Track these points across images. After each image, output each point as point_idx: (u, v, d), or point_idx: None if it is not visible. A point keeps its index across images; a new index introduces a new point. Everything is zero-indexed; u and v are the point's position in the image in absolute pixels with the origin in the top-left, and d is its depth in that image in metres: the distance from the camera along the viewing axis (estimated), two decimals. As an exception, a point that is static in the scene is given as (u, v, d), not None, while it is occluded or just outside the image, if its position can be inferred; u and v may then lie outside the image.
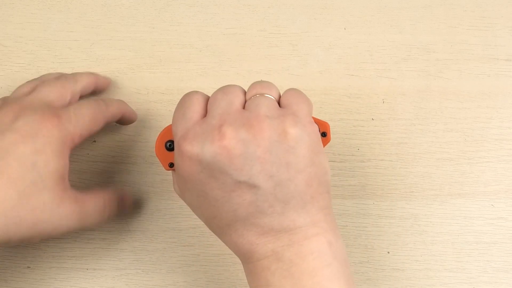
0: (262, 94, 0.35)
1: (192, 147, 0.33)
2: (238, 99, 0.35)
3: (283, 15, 0.49)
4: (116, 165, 0.47)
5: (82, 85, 0.43)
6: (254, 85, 0.36)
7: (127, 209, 0.44)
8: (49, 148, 0.37)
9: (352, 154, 0.47)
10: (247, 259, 0.34)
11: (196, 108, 0.35)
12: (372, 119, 0.47)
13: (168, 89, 0.48)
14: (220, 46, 0.49)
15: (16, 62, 0.49)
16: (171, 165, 0.37)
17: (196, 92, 0.36)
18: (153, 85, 0.48)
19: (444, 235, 0.45)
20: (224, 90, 0.35)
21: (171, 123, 0.37)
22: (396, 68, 0.48)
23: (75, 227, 0.38)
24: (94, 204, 0.40)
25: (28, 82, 0.43)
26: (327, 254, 0.33)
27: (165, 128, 0.38)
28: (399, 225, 0.46)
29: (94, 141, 0.47)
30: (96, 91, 0.46)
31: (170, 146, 0.37)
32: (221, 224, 0.34)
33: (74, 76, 0.43)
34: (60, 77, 0.42)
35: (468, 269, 0.45)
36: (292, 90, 0.36)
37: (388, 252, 0.45)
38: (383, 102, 0.48)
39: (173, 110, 0.48)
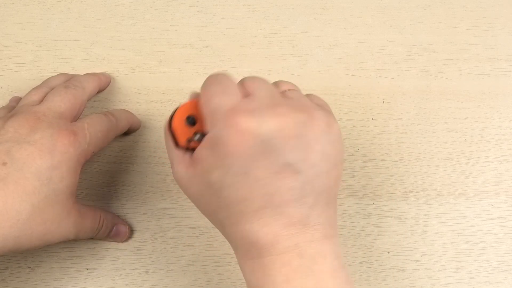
0: (294, 90, 0.35)
1: (249, 121, 0.31)
2: (276, 88, 0.35)
3: (283, 15, 0.49)
4: (116, 165, 0.47)
5: (89, 92, 0.44)
6: (281, 82, 0.36)
7: (118, 239, 0.45)
8: (64, 165, 0.38)
9: (352, 154, 0.47)
10: (263, 252, 0.32)
11: (235, 86, 0.34)
12: (372, 119, 0.47)
13: (168, 89, 0.48)
14: (220, 46, 0.49)
15: (16, 62, 0.49)
16: (190, 140, 0.35)
17: (224, 73, 0.35)
18: (153, 85, 0.48)
19: (444, 235, 0.45)
20: (258, 77, 0.34)
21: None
22: (396, 68, 0.48)
23: (71, 238, 0.40)
24: (91, 221, 0.41)
25: (35, 89, 0.43)
26: (341, 257, 0.33)
27: (186, 103, 0.36)
28: (399, 225, 0.46)
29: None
30: (99, 91, 0.47)
31: (192, 120, 0.35)
32: (247, 209, 0.32)
33: (80, 82, 0.44)
34: (68, 86, 0.42)
35: (468, 269, 0.45)
36: (315, 95, 0.36)
37: (388, 252, 0.45)
38: (383, 102, 0.48)
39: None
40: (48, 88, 0.43)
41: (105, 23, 0.49)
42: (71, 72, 0.48)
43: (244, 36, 0.49)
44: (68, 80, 0.44)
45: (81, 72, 0.48)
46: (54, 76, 0.46)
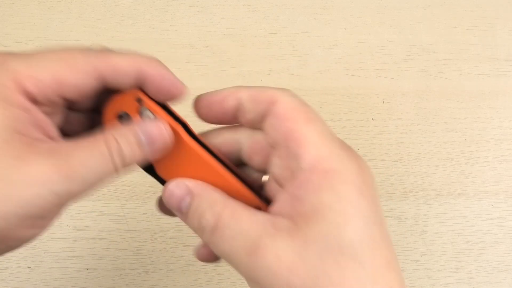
0: None
1: None
2: None
3: (283, 15, 0.49)
4: (116, 165, 0.47)
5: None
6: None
7: (159, 144, 0.29)
8: None
9: (352, 154, 0.47)
10: None
11: None
12: (372, 119, 0.47)
13: (168, 89, 0.48)
14: (220, 46, 0.49)
15: (16, 62, 0.49)
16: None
17: None
18: (153, 85, 0.48)
19: (444, 235, 0.45)
20: None
21: None
22: (396, 68, 0.48)
23: (62, 191, 0.25)
24: (91, 151, 0.26)
25: None
26: None
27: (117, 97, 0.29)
28: (399, 225, 0.46)
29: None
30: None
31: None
32: None
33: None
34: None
35: (468, 269, 0.45)
36: None
37: (388, 252, 0.45)
38: (383, 102, 0.48)
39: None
40: None
41: (105, 23, 0.49)
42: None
43: (244, 36, 0.49)
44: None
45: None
46: None
